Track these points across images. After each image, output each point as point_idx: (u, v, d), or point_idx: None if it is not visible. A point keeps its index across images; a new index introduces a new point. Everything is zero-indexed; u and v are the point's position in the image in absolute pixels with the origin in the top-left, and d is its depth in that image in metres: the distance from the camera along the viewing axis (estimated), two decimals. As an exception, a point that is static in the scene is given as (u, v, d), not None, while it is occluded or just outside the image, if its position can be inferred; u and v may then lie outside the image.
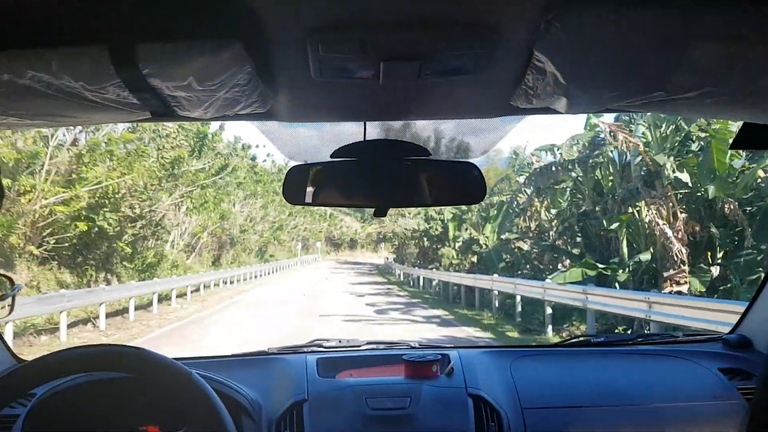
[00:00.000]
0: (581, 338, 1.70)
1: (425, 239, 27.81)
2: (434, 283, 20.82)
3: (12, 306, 0.42)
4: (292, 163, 1.09)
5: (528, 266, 17.21)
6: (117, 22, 0.62)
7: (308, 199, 1.08)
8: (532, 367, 1.42)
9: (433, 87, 0.80)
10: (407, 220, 36.83)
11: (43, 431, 1.14)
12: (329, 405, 1.24)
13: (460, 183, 1.06)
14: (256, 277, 30.65)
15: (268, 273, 35.09)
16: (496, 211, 19.52)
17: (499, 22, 0.64)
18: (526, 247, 17.80)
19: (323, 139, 1.11)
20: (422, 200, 1.09)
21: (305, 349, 1.53)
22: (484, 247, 19.92)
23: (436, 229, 25.12)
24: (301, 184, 1.05)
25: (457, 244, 21.69)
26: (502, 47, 0.68)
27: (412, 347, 1.54)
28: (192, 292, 17.63)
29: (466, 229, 21.56)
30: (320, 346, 1.55)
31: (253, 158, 34.73)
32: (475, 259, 20.23)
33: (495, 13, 0.63)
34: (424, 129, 1.14)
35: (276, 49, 0.71)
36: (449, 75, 0.74)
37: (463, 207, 19.47)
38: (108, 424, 1.16)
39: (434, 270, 21.54)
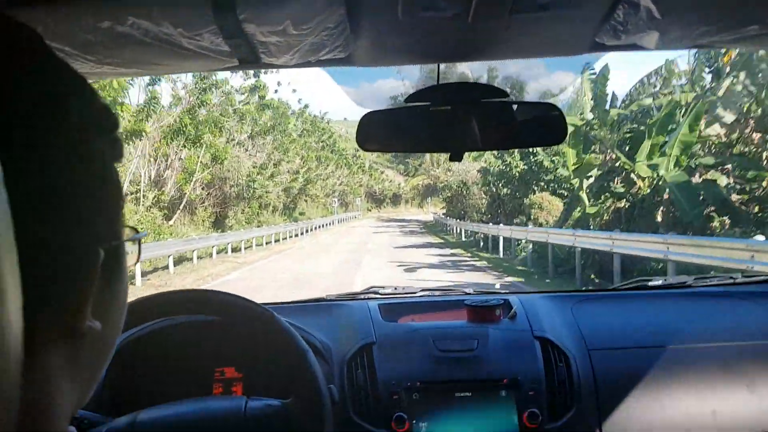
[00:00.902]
0: (639, 282, 1.70)
1: (500, 184, 20.30)
2: (522, 244, 14.83)
3: (139, 253, 0.47)
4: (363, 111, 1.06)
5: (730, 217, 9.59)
6: None
7: (382, 145, 1.10)
8: (593, 311, 1.44)
9: (520, 24, 0.78)
10: (467, 164, 29.03)
11: (126, 375, 1.19)
12: (397, 347, 1.28)
13: (539, 123, 1.04)
14: (277, 241, 24.09)
15: (294, 235, 28.30)
16: (666, 115, 11.28)
17: None
18: (724, 180, 10.06)
19: (397, 84, 1.33)
20: (499, 143, 1.08)
21: (363, 296, 1.57)
22: (645, 182, 11.91)
23: (521, 169, 17.64)
24: (375, 129, 1.05)
25: (587, 181, 13.78)
26: None
27: (470, 293, 1.56)
28: (167, 267, 13.58)
29: (597, 155, 13.46)
30: (377, 293, 1.60)
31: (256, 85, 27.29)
32: (624, 204, 12.33)
33: None
34: (499, 70, 1.59)
35: None
36: (541, 10, 0.73)
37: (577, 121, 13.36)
38: (186, 367, 1.23)
39: (527, 226, 15.48)
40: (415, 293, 1.59)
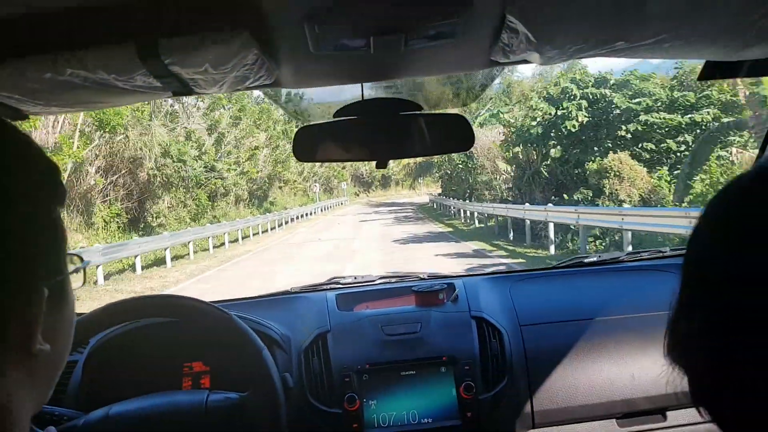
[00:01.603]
0: (575, 259, 1.83)
1: (543, 146, 14.47)
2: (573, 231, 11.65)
3: (84, 278, 0.56)
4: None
5: None
6: (141, 22, 0.72)
7: (316, 156, 1.20)
8: (529, 289, 1.58)
9: (419, 51, 0.88)
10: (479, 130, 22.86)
11: (100, 374, 1.30)
12: (350, 333, 1.40)
13: (450, 133, 1.15)
14: (235, 241, 18.28)
15: (263, 231, 22.28)
16: None
17: None
18: None
19: (326, 101, 1.27)
20: (417, 150, 1.18)
21: (324, 287, 1.68)
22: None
23: (582, 121, 12.04)
24: (309, 142, 1.15)
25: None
26: (477, 15, 0.76)
27: (422, 279, 1.68)
28: None
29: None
30: (337, 283, 1.71)
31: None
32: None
33: None
34: (416, 86, 1.28)
35: (278, 32, 0.80)
36: (432, 41, 0.83)
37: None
38: (157, 364, 1.33)
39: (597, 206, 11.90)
40: (373, 281, 1.71)
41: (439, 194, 34.06)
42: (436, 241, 15.48)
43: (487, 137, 21.77)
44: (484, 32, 0.84)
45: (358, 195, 66.83)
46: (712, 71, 1.06)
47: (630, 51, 0.85)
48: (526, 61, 0.93)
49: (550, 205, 12.66)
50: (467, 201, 22.15)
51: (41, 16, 0.68)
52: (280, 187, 36.41)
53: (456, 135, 1.15)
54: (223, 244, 18.43)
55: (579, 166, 14.01)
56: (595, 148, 13.97)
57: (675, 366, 0.49)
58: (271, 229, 24.30)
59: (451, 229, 19.74)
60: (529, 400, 1.32)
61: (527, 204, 13.66)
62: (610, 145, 13.79)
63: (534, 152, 16.58)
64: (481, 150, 21.70)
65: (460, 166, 24.29)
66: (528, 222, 13.25)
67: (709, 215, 0.47)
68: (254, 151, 27.82)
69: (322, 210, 39.00)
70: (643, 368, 1.32)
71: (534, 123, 16.20)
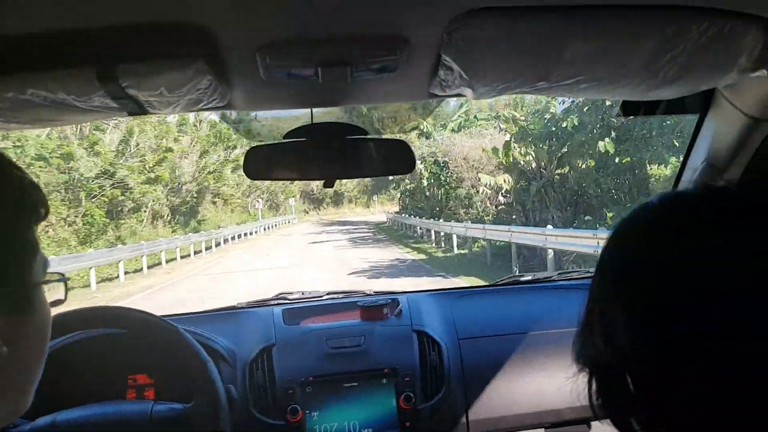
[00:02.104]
0: (512, 278, 1.91)
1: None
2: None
3: (65, 292, 0.60)
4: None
5: None
6: (101, 47, 0.77)
7: (267, 174, 1.25)
8: (469, 305, 1.64)
9: (364, 82, 0.96)
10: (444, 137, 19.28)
11: (44, 384, 1.19)
12: (294, 347, 1.43)
13: (393, 156, 1.22)
14: (139, 271, 15.79)
15: (186, 256, 17.54)
16: None
17: (412, 35, 0.80)
18: None
19: (278, 123, 1.34)
20: (362, 172, 1.28)
21: (272, 302, 1.70)
22: None
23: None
24: (260, 161, 1.20)
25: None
26: (416, 53, 0.84)
27: (368, 294, 1.72)
28: None
29: None
30: (285, 298, 1.73)
31: None
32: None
33: (408, 29, 0.79)
34: (364, 113, 1.40)
35: (231, 61, 0.86)
36: (376, 73, 0.90)
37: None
38: (102, 375, 1.34)
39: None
40: (320, 297, 1.73)
41: (397, 212, 30.89)
42: (411, 274, 11.32)
43: (467, 144, 17.86)
44: (423, 68, 0.92)
45: (307, 213, 61.41)
46: (631, 109, 1.18)
47: (551, 90, 0.94)
48: (461, 95, 1.01)
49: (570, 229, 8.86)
50: (438, 220, 18.10)
51: (5, 38, 0.72)
52: (214, 203, 31.12)
53: (398, 158, 1.22)
54: (117, 277, 13.55)
55: (635, 168, 10.03)
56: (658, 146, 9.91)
57: (582, 369, 0.56)
58: (196, 252, 19.47)
59: (424, 257, 15.54)
60: (465, 410, 1.38)
61: (549, 227, 9.70)
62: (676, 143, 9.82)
63: (547, 153, 12.38)
64: (457, 160, 17.74)
65: (429, 180, 20.26)
66: (551, 252, 9.25)
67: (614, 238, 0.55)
68: (165, 154, 21.93)
69: (265, 229, 33.65)
70: (568, 380, 1.17)
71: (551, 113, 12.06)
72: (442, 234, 17.25)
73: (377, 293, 1.73)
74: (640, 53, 0.82)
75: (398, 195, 31.95)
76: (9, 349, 0.49)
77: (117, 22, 0.72)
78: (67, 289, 0.59)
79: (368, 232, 28.75)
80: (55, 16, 0.69)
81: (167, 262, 16.67)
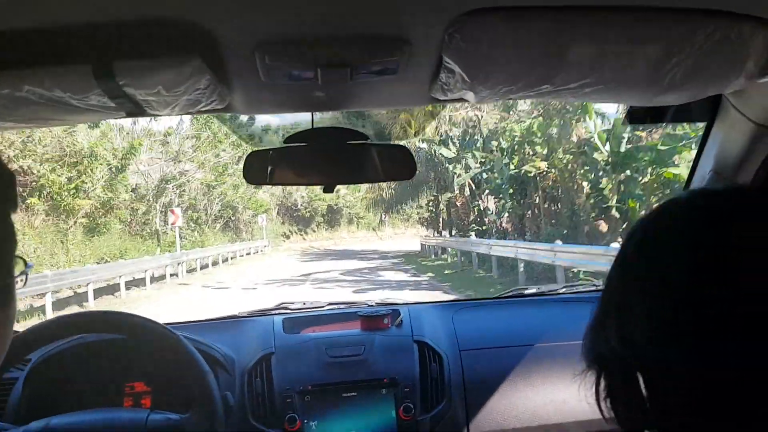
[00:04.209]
0: (517, 290, 1.90)
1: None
2: None
3: (25, 281, 0.57)
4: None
5: None
6: (98, 44, 0.75)
7: (266, 179, 1.23)
8: (471, 317, 1.62)
9: (364, 84, 0.95)
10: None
11: (40, 390, 1.29)
12: (294, 355, 1.42)
13: (393, 161, 1.22)
14: None
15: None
16: None
17: (413, 35, 0.79)
18: None
19: (277, 127, 1.39)
20: (362, 177, 1.29)
21: (273, 312, 1.69)
22: None
23: None
24: (259, 166, 1.20)
25: None
26: (418, 54, 0.83)
27: (369, 305, 1.71)
28: None
29: None
30: (286, 308, 1.72)
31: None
32: None
33: (408, 30, 0.78)
34: (365, 118, 1.43)
35: (230, 61, 0.85)
36: (376, 75, 0.90)
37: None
38: (98, 382, 1.32)
39: None
40: (321, 307, 1.72)
41: (448, 235, 20.12)
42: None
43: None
44: (424, 70, 0.91)
45: (288, 237, 40.15)
46: (637, 116, 1.16)
47: (555, 94, 0.92)
48: (463, 100, 1.00)
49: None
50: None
51: (1, 34, 0.71)
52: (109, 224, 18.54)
53: (399, 164, 1.22)
54: None
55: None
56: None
57: (592, 370, 0.54)
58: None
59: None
60: (465, 423, 1.36)
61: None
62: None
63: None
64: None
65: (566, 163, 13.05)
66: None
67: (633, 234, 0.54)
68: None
69: (204, 267, 19.10)
70: (573, 394, 1.32)
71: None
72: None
73: (378, 304, 1.72)
74: (646, 56, 0.81)
75: (424, 212, 24.39)
76: None
77: (113, 18, 0.71)
78: (27, 277, 0.58)
79: (410, 276, 14.90)
80: (52, 11, 0.69)
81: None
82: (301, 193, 38.27)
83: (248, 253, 26.36)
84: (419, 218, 27.26)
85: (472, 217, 18.85)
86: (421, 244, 23.98)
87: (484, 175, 17.48)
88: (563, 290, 1.81)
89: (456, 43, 0.77)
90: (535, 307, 1.73)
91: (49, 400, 1.26)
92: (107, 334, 1.27)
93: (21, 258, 0.53)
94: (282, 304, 1.77)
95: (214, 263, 20.79)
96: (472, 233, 17.38)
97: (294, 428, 1.29)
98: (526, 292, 1.84)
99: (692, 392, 0.46)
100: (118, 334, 1.22)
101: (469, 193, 18.81)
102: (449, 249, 19.35)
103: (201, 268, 19.21)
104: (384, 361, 1.40)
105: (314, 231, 43.46)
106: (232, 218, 31.50)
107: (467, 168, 17.69)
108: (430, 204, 24.55)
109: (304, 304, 1.75)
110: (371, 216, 40.59)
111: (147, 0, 0.68)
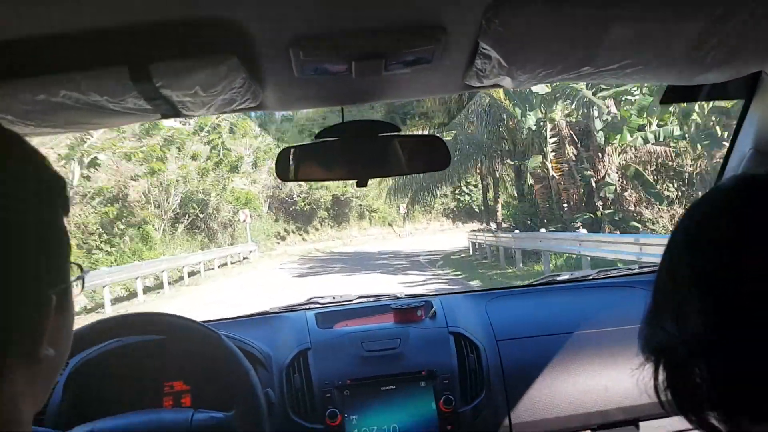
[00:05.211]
0: (549, 278, 1.88)
1: None
2: None
3: (82, 285, 0.56)
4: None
5: None
6: (134, 47, 0.75)
7: (298, 175, 1.23)
8: (505, 306, 1.61)
9: (398, 75, 0.94)
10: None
11: (80, 393, 1.30)
12: (330, 350, 1.42)
13: (427, 152, 1.21)
14: None
15: None
16: None
17: (449, 22, 0.78)
18: None
19: (308, 123, 1.56)
20: (396, 170, 1.26)
21: (304, 306, 1.70)
22: None
23: None
24: (291, 162, 1.20)
25: None
26: (453, 41, 0.82)
27: (399, 298, 1.72)
28: None
29: None
30: (316, 303, 1.74)
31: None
32: None
33: (444, 17, 0.77)
34: (395, 109, 1.79)
35: (264, 57, 0.84)
36: (410, 66, 0.89)
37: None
38: (138, 383, 1.33)
39: None
40: (351, 301, 1.73)
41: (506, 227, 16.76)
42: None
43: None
44: (459, 58, 0.90)
45: (283, 238, 31.70)
46: (673, 95, 1.15)
47: (595, 75, 0.91)
48: (498, 86, 0.99)
49: None
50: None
51: (37, 39, 0.71)
52: None
53: (433, 155, 1.21)
54: None
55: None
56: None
57: (650, 361, 0.54)
58: None
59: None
60: (507, 413, 1.36)
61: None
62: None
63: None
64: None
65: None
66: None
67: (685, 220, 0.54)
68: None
69: (111, 303, 11.55)
70: (615, 380, 1.36)
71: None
72: None
73: (408, 296, 1.72)
74: (687, 35, 0.80)
75: (450, 201, 19.48)
76: (55, 351, 0.48)
77: (149, 20, 0.71)
78: (83, 283, 0.56)
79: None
80: (86, 14, 0.68)
81: None
82: (298, 189, 31.31)
83: (224, 264, 19.09)
84: (443, 209, 21.80)
85: (573, 200, 11.82)
86: (471, 242, 18.34)
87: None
88: (595, 276, 1.80)
89: (494, 29, 0.75)
90: (568, 294, 1.73)
91: (88, 402, 1.27)
92: (147, 336, 1.28)
93: (76, 264, 0.52)
94: (312, 298, 1.78)
95: (155, 287, 13.10)
96: (579, 225, 11.96)
97: (335, 423, 1.30)
98: (559, 278, 1.83)
99: (753, 377, 0.46)
100: (157, 335, 1.23)
101: (574, 158, 11.93)
102: (516, 252, 13.23)
103: (111, 303, 11.51)
104: (420, 353, 1.40)
105: (317, 229, 34.23)
106: (200, 216, 23.86)
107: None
108: (463, 188, 17.64)
109: (334, 297, 1.76)
110: (386, 208, 33.66)
111: (181, 0, 0.68)
